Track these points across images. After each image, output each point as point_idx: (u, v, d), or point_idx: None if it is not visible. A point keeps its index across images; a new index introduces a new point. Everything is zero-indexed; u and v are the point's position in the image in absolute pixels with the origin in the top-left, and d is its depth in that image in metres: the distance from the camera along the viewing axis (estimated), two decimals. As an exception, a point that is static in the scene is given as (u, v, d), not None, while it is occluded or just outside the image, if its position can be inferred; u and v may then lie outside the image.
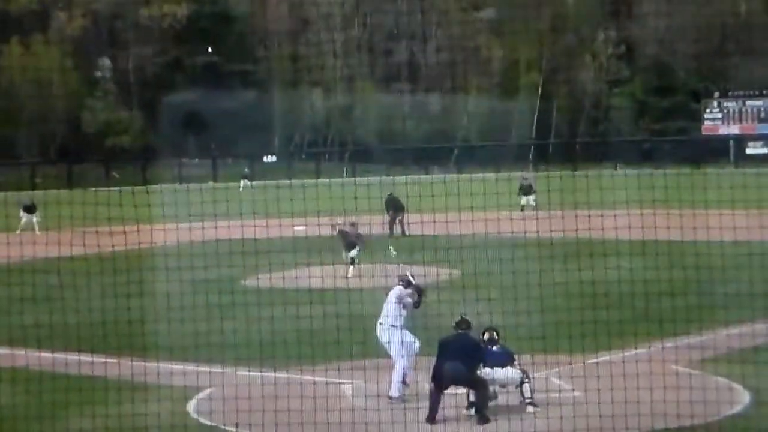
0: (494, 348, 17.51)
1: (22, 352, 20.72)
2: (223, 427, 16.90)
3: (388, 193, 46.23)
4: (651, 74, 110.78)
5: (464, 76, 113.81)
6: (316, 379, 19.02)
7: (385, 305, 18.37)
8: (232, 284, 28.27)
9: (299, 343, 19.67)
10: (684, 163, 75.63)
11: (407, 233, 44.04)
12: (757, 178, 40.08)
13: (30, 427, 17.03)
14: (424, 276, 25.25)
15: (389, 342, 18.05)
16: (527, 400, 17.25)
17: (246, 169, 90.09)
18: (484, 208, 24.17)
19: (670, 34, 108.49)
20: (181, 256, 27.29)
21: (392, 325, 18.10)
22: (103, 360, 19.60)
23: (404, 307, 18.25)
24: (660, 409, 15.97)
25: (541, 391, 17.55)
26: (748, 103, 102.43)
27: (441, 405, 16.76)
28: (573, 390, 18.07)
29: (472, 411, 16.91)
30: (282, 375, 19.31)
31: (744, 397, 17.80)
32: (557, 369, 19.49)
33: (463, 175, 61.72)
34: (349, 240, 34.33)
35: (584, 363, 18.98)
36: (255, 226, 28.10)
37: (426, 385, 17.15)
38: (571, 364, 19.47)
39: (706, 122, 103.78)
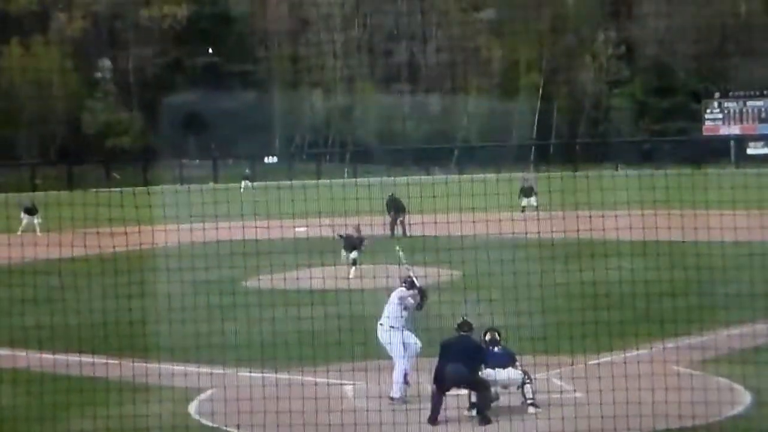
0: (496, 349, 17.52)
1: (24, 354, 20.74)
2: (224, 428, 16.89)
3: (389, 193, 46.24)
4: (651, 75, 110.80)
5: (464, 76, 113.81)
6: (318, 380, 19.01)
7: (386, 306, 18.36)
8: (233, 285, 28.26)
9: (300, 344, 19.68)
10: (685, 164, 75.56)
11: (408, 234, 44.04)
12: (758, 178, 40.07)
13: (31, 429, 17.03)
14: (425, 277, 25.23)
15: (389, 343, 18.05)
16: (529, 401, 17.26)
17: (247, 170, 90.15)
18: (485, 209, 24.16)
19: (670, 35, 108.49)
20: (182, 257, 27.25)
21: (392, 326, 18.09)
22: (105, 361, 19.62)
23: (406, 308, 18.25)
24: (661, 410, 15.96)
25: (542, 391, 17.55)
26: (749, 103, 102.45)
27: (443, 406, 16.77)
28: (574, 391, 18.07)
29: (474, 412, 16.92)
30: (283, 376, 19.30)
31: (745, 398, 17.79)
32: (559, 370, 19.48)
33: (464, 175, 61.75)
34: (351, 242, 34.33)
35: (585, 364, 18.98)
36: (256, 227, 28.09)
37: (428, 386, 17.16)
38: (572, 365, 19.46)
39: (707, 123, 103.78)
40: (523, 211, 51.38)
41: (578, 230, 21.41)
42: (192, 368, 20.02)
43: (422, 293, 18.47)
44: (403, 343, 18.05)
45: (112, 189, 35.37)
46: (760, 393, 17.77)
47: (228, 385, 18.56)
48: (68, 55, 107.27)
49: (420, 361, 18.00)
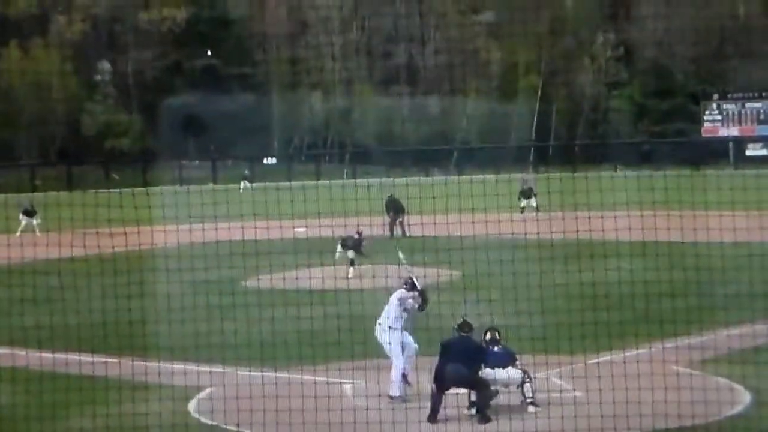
0: (496, 348, 17.53)
1: (23, 353, 20.74)
2: (223, 426, 16.90)
3: (389, 194, 46.25)
4: (650, 77, 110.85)
5: (463, 78, 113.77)
6: (317, 378, 19.02)
7: (386, 306, 18.38)
8: (233, 285, 28.28)
9: (300, 343, 19.69)
10: (684, 165, 75.60)
11: (408, 234, 44.05)
12: (757, 179, 39.99)
13: (31, 427, 17.03)
14: (425, 277, 25.25)
15: (388, 342, 18.06)
16: (528, 400, 17.27)
17: (246, 171, 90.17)
18: (484, 210, 24.18)
19: (668, 37, 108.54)
20: (181, 258, 27.28)
21: (391, 327, 18.11)
22: (104, 360, 19.63)
23: (405, 310, 18.25)
24: (661, 410, 15.96)
25: (542, 391, 17.56)
26: (748, 105, 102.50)
27: (442, 405, 16.79)
28: (574, 390, 18.08)
29: (474, 411, 16.94)
30: (283, 375, 19.31)
31: (744, 398, 17.80)
32: (558, 369, 19.49)
33: (463, 176, 61.77)
34: (350, 241, 34.26)
35: (585, 363, 19.00)
36: (255, 228, 28.12)
37: (427, 385, 17.17)
38: (572, 364, 19.47)
39: (706, 124, 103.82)
40: (522, 211, 51.40)
41: (577, 231, 21.42)
42: (191, 367, 20.04)
43: (423, 295, 18.47)
44: (402, 343, 18.06)
45: (112, 190, 35.39)
46: (759, 393, 17.78)
47: (227, 384, 18.57)
48: (68, 58, 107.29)
49: (420, 361, 18.01)
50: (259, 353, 19.15)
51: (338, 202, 27.73)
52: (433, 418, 16.69)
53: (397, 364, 18.00)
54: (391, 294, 18.56)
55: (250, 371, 18.90)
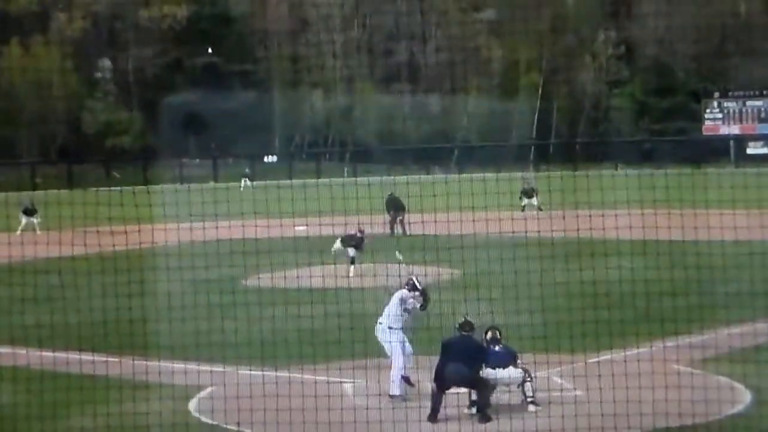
0: (496, 348, 17.51)
1: (24, 352, 20.73)
2: (224, 425, 16.91)
3: (389, 193, 46.24)
4: (651, 75, 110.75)
5: (464, 76, 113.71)
6: (317, 378, 19.02)
7: (387, 306, 18.37)
8: (233, 284, 28.27)
9: (300, 342, 19.68)
10: (684, 163, 75.59)
11: (408, 233, 44.02)
12: (758, 177, 40.09)
13: (31, 427, 17.03)
14: (425, 275, 25.25)
15: (388, 341, 18.06)
16: (529, 399, 17.26)
17: (247, 169, 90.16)
18: (484, 208, 24.17)
19: (669, 35, 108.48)
20: (182, 256, 27.28)
21: (391, 327, 18.10)
22: (105, 359, 19.63)
23: (406, 310, 18.23)
24: (661, 409, 15.96)
25: (542, 390, 17.55)
26: (749, 103, 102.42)
27: (443, 404, 16.78)
28: (575, 389, 18.08)
29: (474, 410, 16.93)
30: (283, 374, 19.30)
31: (745, 397, 17.80)
32: (559, 368, 19.48)
33: (464, 175, 61.71)
34: (351, 239, 34.23)
35: (586, 362, 18.99)
36: (256, 226, 28.12)
37: (428, 384, 17.16)
38: (572, 363, 19.46)
39: (707, 122, 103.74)
40: (522, 210, 51.37)
41: (578, 229, 21.42)
42: (192, 366, 20.03)
43: (425, 295, 18.46)
44: (401, 343, 18.05)
45: (112, 188, 35.36)
46: (760, 392, 17.78)
47: (228, 383, 18.56)
48: (68, 55, 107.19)
49: (420, 360, 18.00)
50: (259, 352, 19.16)
51: (339, 201, 27.73)
52: (433, 417, 16.69)
53: (397, 364, 17.99)
54: (391, 294, 18.56)
55: (250, 370, 18.90)
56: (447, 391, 16.84)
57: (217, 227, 27.97)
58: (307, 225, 31.87)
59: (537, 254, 24.25)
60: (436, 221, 23.24)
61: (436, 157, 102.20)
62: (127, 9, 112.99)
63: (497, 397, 17.21)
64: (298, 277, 26.03)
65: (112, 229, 21.46)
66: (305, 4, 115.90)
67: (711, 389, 16.87)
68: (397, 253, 19.91)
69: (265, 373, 18.80)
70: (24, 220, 50.91)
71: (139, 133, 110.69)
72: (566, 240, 25.11)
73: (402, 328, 18.14)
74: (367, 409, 16.42)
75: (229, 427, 16.81)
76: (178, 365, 20.05)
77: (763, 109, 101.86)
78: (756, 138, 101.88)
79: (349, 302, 20.13)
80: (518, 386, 17.31)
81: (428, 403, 16.80)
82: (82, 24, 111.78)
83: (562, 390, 18.29)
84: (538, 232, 23.53)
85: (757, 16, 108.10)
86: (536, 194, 54.51)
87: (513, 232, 23.65)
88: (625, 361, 18.16)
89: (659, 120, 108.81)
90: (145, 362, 20.09)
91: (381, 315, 18.42)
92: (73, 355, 20.65)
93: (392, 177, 56.58)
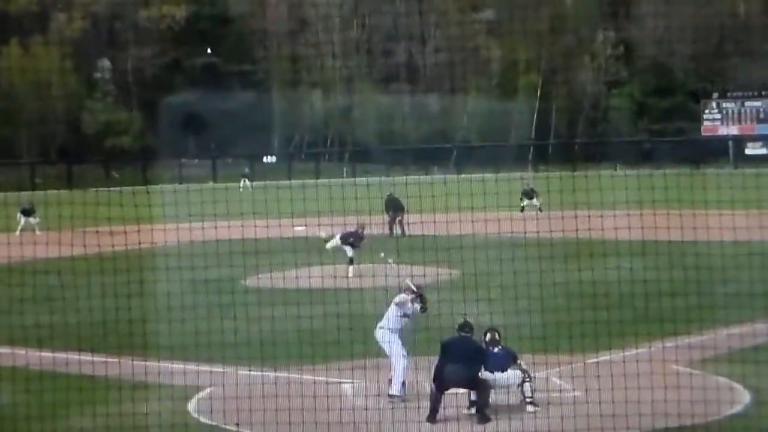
0: (495, 350, 17.48)
1: (23, 352, 20.74)
2: (223, 426, 16.90)
3: (388, 193, 46.24)
4: (650, 75, 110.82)
5: (463, 76, 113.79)
6: (317, 378, 19.02)
7: (386, 311, 18.35)
8: (233, 284, 28.28)
9: (299, 342, 19.68)
10: (683, 164, 75.69)
11: (407, 233, 44.02)
12: (757, 178, 40.06)
13: (31, 427, 17.02)
14: (424, 276, 25.28)
15: (388, 342, 18.04)
16: (528, 400, 17.26)
17: (246, 170, 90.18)
18: (484, 209, 24.19)
19: (668, 35, 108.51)
20: (181, 256, 27.30)
21: (390, 329, 18.09)
22: (104, 359, 19.63)
23: (405, 315, 18.19)
24: (660, 409, 15.97)
25: (541, 390, 17.56)
26: (747, 103, 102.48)
27: (442, 405, 16.79)
28: (573, 389, 18.07)
29: (473, 410, 16.94)
30: (282, 374, 19.31)
31: (744, 397, 17.80)
32: (558, 368, 19.49)
33: (463, 175, 61.74)
34: (350, 237, 34.19)
35: (585, 363, 19.00)
36: (255, 226, 28.13)
37: (426, 385, 17.16)
38: (571, 363, 19.47)
39: (706, 123, 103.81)
40: (522, 211, 51.39)
41: (577, 230, 21.42)
42: (191, 366, 20.04)
43: (422, 298, 18.41)
44: (401, 345, 18.04)
45: (112, 188, 35.37)
46: (759, 392, 17.78)
47: (227, 384, 18.56)
48: (68, 56, 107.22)
49: (419, 361, 18.00)
50: (258, 353, 19.15)
51: (338, 201, 27.73)
52: (432, 418, 16.69)
53: (397, 363, 17.98)
54: (390, 297, 18.53)
55: (249, 371, 18.90)
56: (446, 392, 16.83)
57: (216, 227, 27.98)
58: (306, 225, 31.92)
59: (536, 255, 24.27)
60: (435, 221, 23.24)
61: (435, 157, 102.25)
62: (127, 9, 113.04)
63: (496, 397, 17.22)
64: (297, 277, 26.03)
65: (111, 230, 21.48)
66: (304, 4, 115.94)
67: (710, 390, 16.87)
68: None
69: (264, 373, 18.80)
70: (22, 220, 50.92)
71: (139, 134, 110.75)
72: (565, 240, 25.10)
73: (400, 329, 18.11)
74: (366, 409, 16.42)
75: (228, 427, 16.80)
76: (178, 366, 20.04)
77: (761, 109, 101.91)
78: (755, 138, 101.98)
79: (348, 302, 20.12)
80: (517, 387, 17.31)
81: (427, 404, 16.80)
82: (82, 24, 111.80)
83: (561, 390, 18.29)
84: (537, 232, 23.53)
85: (756, 16, 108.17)
86: (536, 195, 54.52)
87: (512, 233, 23.68)
88: (624, 362, 18.17)
89: (658, 120, 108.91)
90: (144, 363, 20.08)
91: (380, 319, 18.39)
92: (73, 356, 20.66)
93: (391, 177, 56.65)
